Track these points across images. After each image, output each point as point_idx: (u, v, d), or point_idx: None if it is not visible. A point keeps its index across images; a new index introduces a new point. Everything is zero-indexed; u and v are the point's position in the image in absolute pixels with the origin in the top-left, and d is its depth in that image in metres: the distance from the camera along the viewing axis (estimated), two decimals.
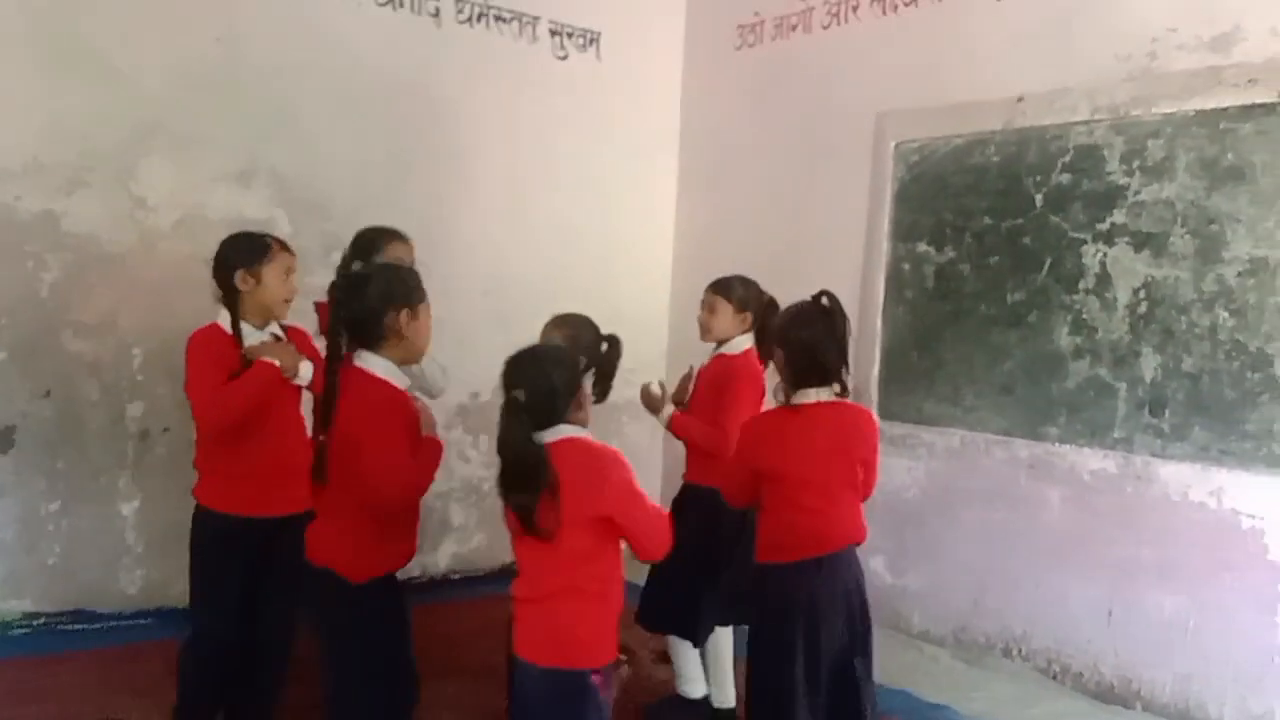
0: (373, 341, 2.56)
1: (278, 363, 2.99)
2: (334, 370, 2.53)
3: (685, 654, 3.67)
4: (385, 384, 2.55)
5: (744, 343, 3.62)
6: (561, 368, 2.45)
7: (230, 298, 3.04)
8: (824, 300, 2.91)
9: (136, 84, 4.40)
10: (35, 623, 4.26)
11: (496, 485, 2.43)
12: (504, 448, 2.40)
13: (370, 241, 3.62)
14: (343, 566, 2.53)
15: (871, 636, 2.93)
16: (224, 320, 3.06)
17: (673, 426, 3.55)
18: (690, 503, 3.59)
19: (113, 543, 4.47)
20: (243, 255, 3.07)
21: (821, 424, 2.85)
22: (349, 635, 2.56)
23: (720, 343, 3.65)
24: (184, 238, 4.52)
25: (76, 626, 4.29)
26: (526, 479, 2.34)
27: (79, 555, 4.39)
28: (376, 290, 2.56)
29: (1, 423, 4.22)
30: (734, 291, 3.62)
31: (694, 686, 3.69)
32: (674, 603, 3.54)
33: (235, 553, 3.05)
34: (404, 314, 2.55)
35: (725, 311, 3.61)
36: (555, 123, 5.61)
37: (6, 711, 3.46)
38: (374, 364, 2.55)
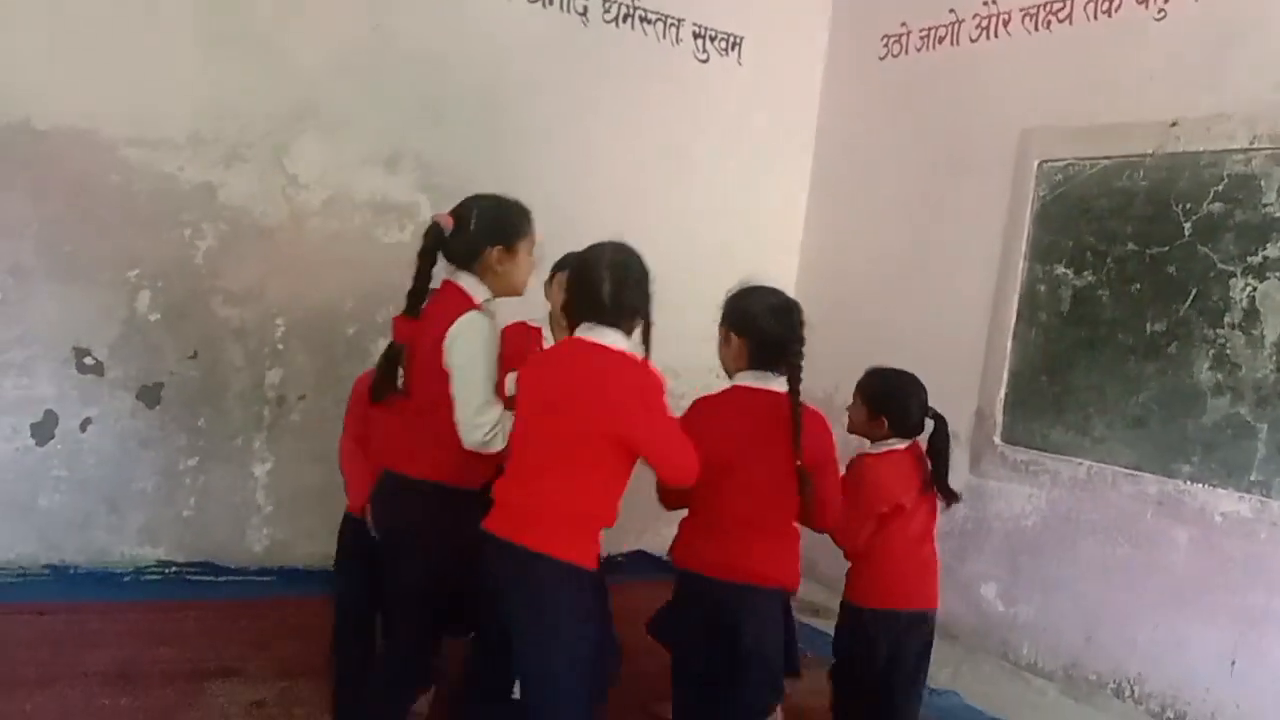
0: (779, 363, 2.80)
1: None
2: (799, 398, 2.73)
3: None
4: (819, 413, 2.82)
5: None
6: None
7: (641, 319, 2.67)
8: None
9: (294, 66, 4.61)
10: (167, 570, 4.51)
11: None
12: None
13: (515, 226, 2.95)
14: (789, 581, 2.80)
15: None
16: (617, 342, 2.58)
17: None
18: None
19: (244, 501, 4.69)
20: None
21: None
22: (780, 641, 2.79)
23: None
24: (332, 216, 4.72)
25: (204, 577, 4.51)
26: None
27: (212, 510, 4.63)
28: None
29: (151, 379, 4.48)
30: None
31: None
32: None
33: None
34: None
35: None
36: (691, 125, 5.65)
37: (136, 651, 3.66)
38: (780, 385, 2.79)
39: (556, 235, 5.21)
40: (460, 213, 2.81)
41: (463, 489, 2.73)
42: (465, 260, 2.80)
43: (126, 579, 4.38)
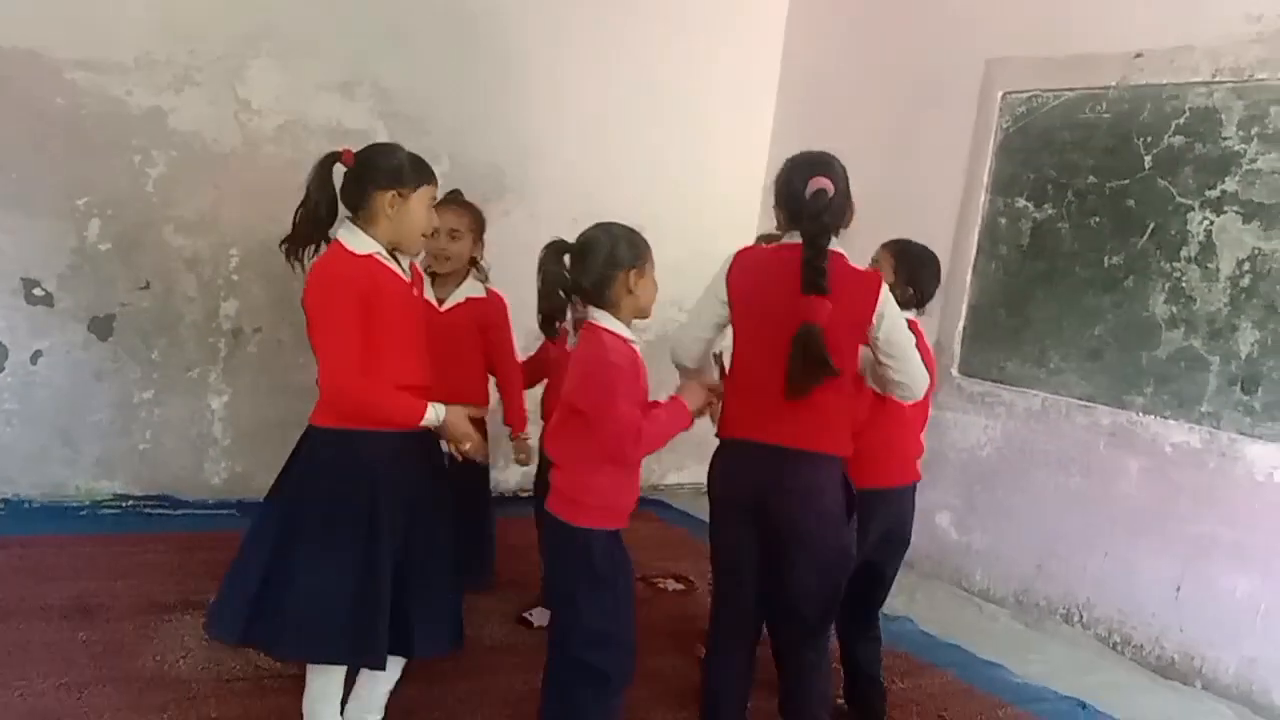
0: None
1: None
2: None
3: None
4: None
5: None
6: None
7: None
8: None
9: None
10: (124, 504, 4.47)
11: None
12: None
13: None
14: None
15: None
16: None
17: None
18: None
19: (200, 434, 4.64)
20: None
21: None
22: None
23: None
24: (285, 143, 4.62)
25: (162, 511, 4.49)
26: None
27: (168, 443, 4.58)
28: None
29: (102, 310, 4.39)
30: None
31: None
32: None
33: None
34: None
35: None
36: (655, 54, 5.54)
37: (93, 585, 3.63)
38: None
39: (524, 168, 5.18)
40: (832, 176, 2.62)
41: None
42: (838, 226, 2.65)
43: (83, 513, 4.34)
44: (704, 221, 5.57)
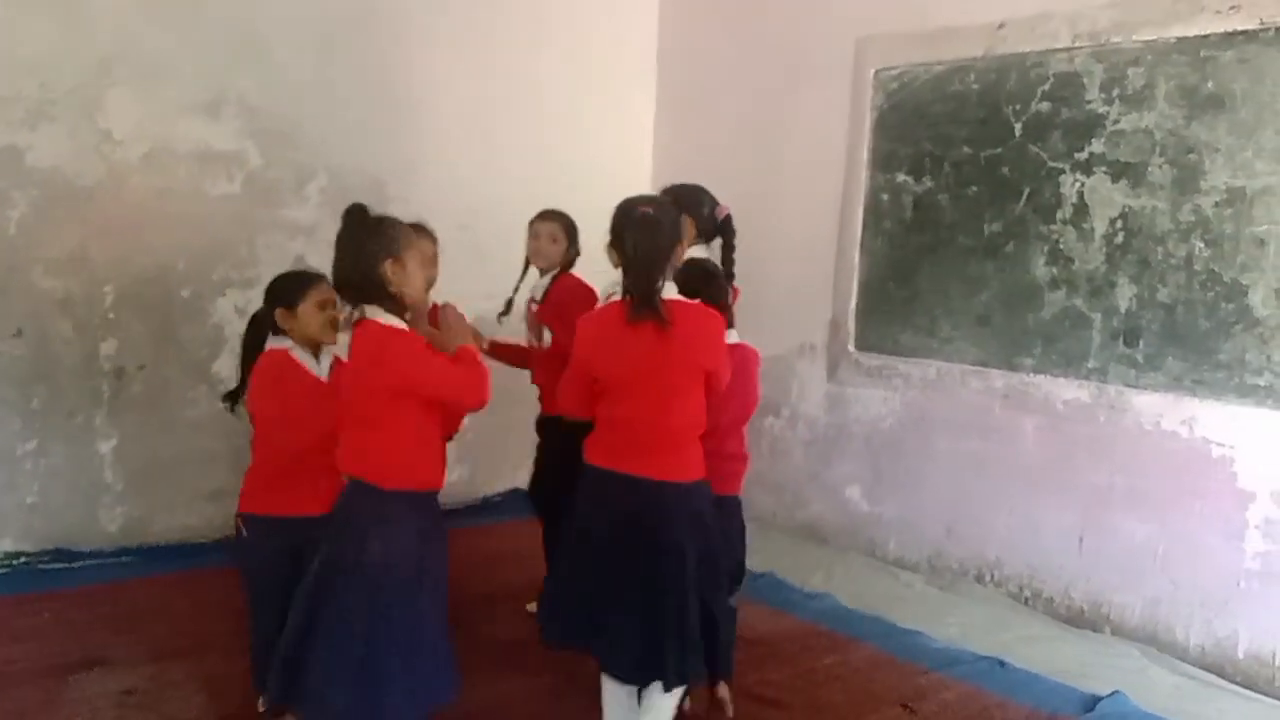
0: None
1: None
2: None
3: None
4: None
5: None
6: None
7: None
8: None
9: (96, 11, 4.27)
10: (16, 562, 4.25)
11: None
12: None
13: None
14: None
15: None
16: None
17: None
18: None
19: (91, 481, 4.45)
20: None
21: None
22: None
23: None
24: (154, 171, 4.45)
25: (58, 565, 4.27)
26: None
27: (58, 494, 4.38)
28: None
29: None
30: None
31: None
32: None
33: None
34: None
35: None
36: (529, 50, 5.50)
37: None
38: None
39: (404, 177, 5.08)
40: None
41: None
42: None
43: None
44: (594, 215, 5.52)
